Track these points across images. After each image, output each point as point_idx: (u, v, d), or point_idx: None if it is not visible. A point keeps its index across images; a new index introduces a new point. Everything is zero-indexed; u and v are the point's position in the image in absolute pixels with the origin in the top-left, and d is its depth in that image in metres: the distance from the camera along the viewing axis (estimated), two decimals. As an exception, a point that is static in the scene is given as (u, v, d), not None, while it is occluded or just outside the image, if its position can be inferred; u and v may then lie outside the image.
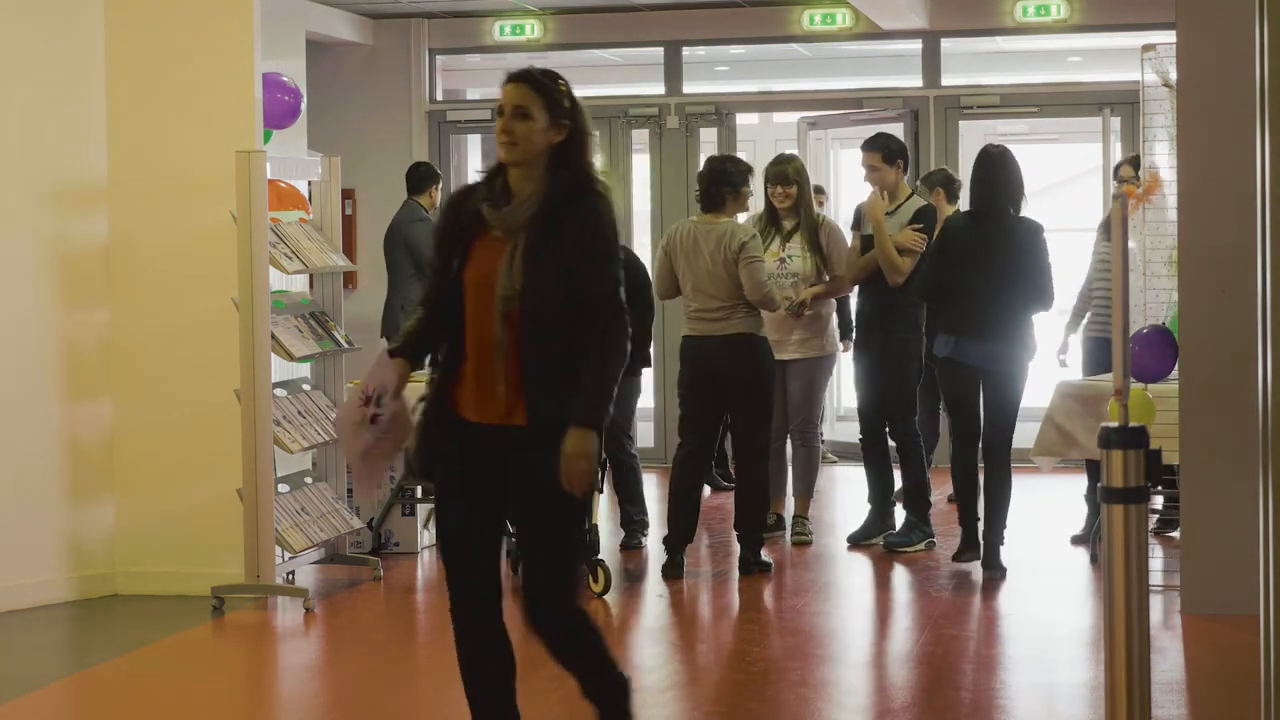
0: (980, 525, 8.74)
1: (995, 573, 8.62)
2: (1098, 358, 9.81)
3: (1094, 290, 9.91)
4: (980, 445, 8.80)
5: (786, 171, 9.63)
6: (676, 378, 9.09)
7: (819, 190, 11.73)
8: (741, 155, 13.76)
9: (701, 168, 9.32)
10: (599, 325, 4.76)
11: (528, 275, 4.72)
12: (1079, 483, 11.01)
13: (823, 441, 10.17)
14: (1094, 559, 9.00)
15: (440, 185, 11.91)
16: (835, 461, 12.86)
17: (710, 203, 8.96)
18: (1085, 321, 10.08)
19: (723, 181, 8.94)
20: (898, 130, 13.00)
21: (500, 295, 4.72)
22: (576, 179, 4.82)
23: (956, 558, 8.88)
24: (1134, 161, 9.93)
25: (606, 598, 8.34)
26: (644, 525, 9.78)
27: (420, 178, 11.85)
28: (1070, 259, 10.73)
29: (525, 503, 4.85)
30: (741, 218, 9.20)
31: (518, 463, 4.79)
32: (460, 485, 4.88)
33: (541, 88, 4.81)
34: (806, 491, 9.83)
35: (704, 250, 8.85)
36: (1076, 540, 9.62)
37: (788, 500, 10.01)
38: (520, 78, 4.83)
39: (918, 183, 10.49)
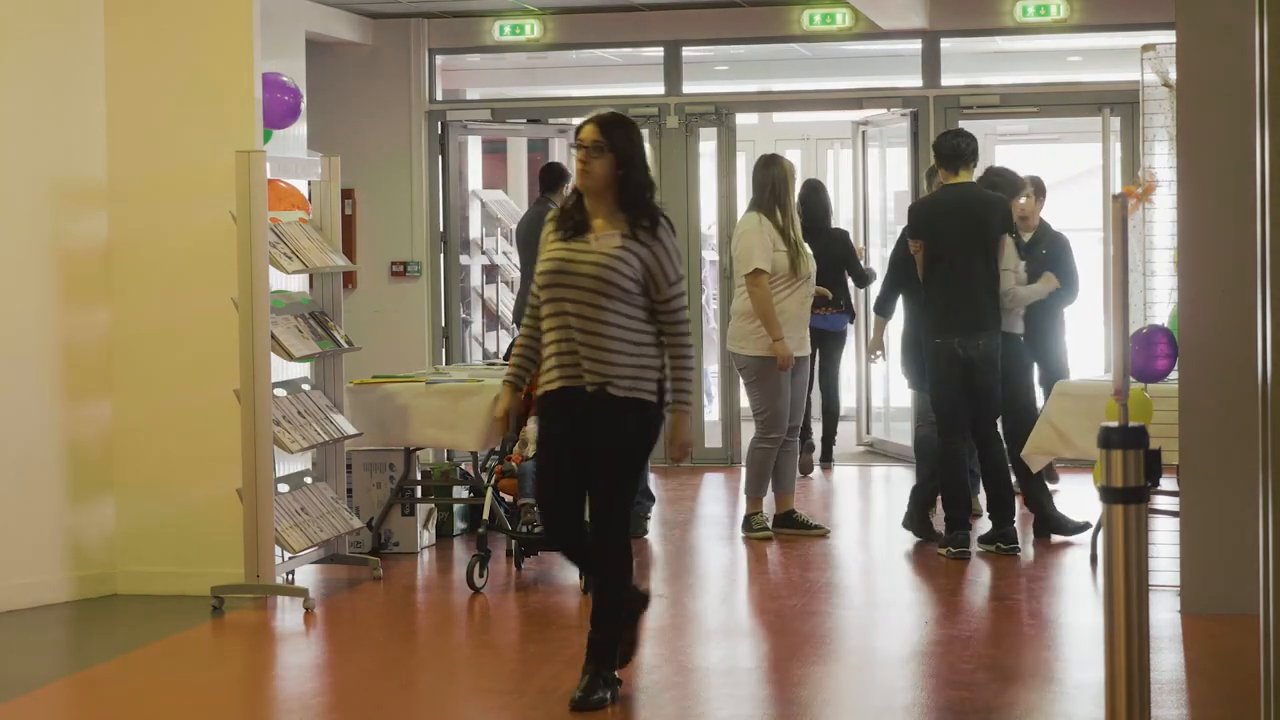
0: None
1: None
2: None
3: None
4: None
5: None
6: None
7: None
8: (741, 156, 13.84)
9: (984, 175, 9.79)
10: None
11: None
12: (1078, 481, 11.03)
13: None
14: (1094, 558, 9.00)
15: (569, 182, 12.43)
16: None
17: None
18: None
19: None
20: (900, 130, 13.03)
21: None
22: None
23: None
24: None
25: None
26: (649, 505, 9.89)
27: (554, 177, 12.37)
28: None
29: None
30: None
31: None
32: None
33: None
34: (792, 488, 9.92)
35: None
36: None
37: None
38: None
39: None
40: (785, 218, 9.62)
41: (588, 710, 6.19)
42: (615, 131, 6.23)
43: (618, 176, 6.20)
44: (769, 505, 9.84)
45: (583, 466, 6.23)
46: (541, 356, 6.29)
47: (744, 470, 10.30)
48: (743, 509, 9.92)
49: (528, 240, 12.24)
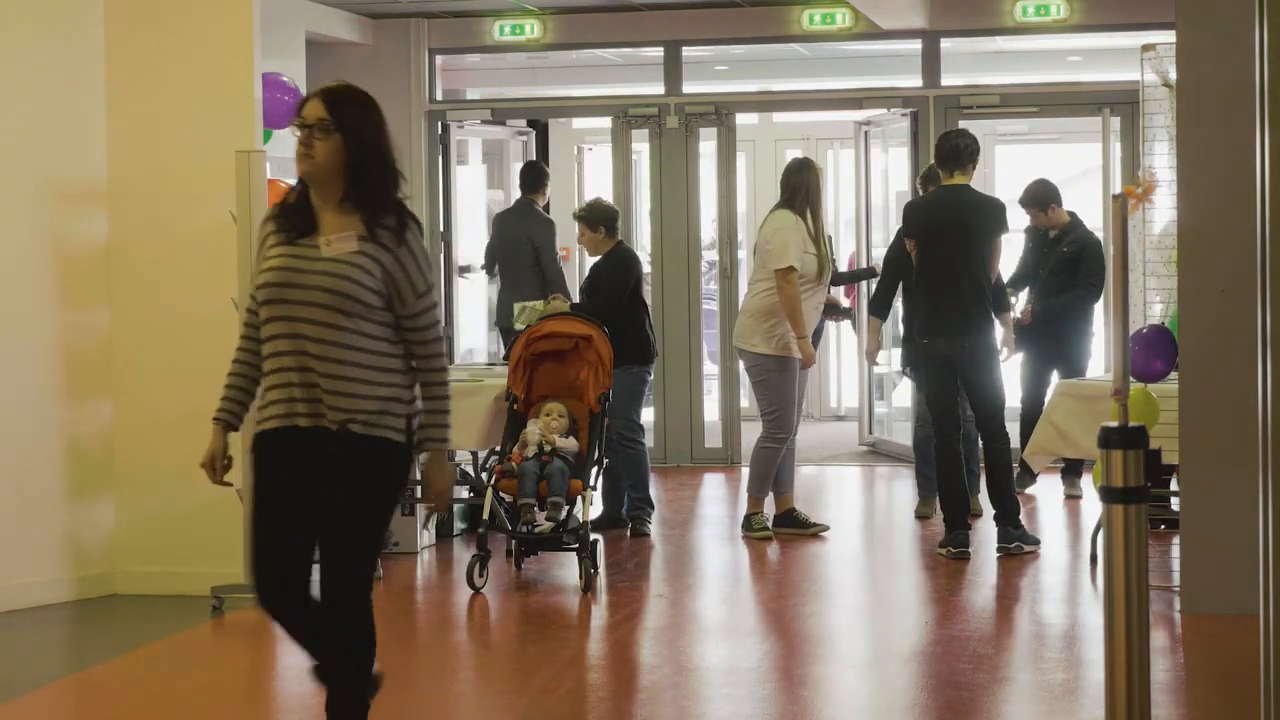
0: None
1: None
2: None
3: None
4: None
5: None
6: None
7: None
8: (741, 156, 13.83)
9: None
10: None
11: None
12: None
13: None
14: (1094, 558, 9.00)
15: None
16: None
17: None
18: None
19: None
20: (901, 130, 13.03)
21: None
22: None
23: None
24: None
25: (603, 597, 8.34)
26: (649, 510, 9.91)
27: (534, 176, 12.24)
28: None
29: None
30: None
31: None
32: None
33: None
34: (792, 488, 9.94)
35: None
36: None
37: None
38: None
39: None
40: (816, 222, 9.67)
41: None
42: (345, 107, 5.10)
43: (348, 163, 5.09)
44: (768, 505, 9.84)
45: (313, 520, 5.06)
46: (262, 385, 5.20)
47: (746, 469, 10.31)
48: (743, 509, 9.92)
49: (502, 239, 12.18)
